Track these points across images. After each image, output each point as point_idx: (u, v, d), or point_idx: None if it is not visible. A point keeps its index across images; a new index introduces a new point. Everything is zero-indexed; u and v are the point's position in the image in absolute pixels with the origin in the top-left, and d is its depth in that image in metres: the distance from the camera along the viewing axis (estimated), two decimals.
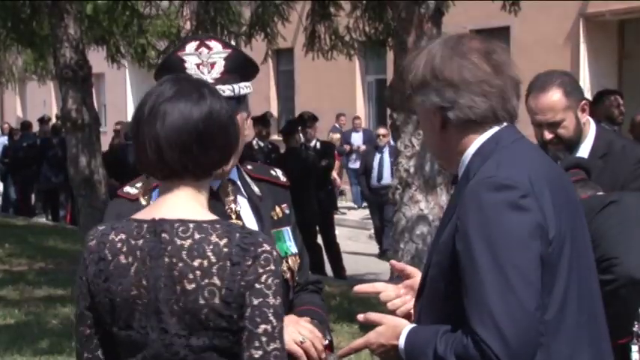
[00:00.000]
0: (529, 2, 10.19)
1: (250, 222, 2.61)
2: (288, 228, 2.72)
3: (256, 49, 10.41)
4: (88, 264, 2.11)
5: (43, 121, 18.10)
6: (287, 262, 2.66)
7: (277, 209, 2.71)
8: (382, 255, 12.36)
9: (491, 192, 2.12)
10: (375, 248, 13.15)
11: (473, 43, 2.30)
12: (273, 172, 2.80)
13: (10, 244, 13.01)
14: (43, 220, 17.11)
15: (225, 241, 2.05)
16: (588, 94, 12.27)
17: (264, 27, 11.27)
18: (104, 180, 11.36)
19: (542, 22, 15.40)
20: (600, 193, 3.29)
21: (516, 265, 2.06)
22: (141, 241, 2.06)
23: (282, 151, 11.34)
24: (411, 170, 7.27)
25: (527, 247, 2.09)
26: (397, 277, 2.68)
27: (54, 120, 18.84)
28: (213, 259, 2.03)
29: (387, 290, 2.58)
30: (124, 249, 2.07)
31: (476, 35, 2.42)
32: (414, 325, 2.30)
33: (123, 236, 2.08)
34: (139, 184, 2.61)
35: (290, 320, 2.51)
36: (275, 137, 13.52)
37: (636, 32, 15.66)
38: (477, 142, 2.27)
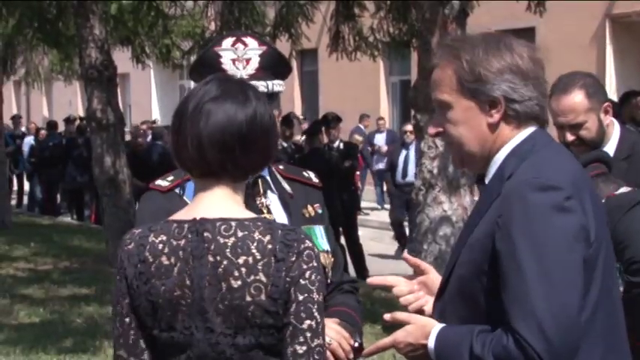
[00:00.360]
0: (554, 3, 10.12)
1: (280, 217, 2.63)
2: (321, 227, 2.73)
3: (280, 49, 10.37)
4: (126, 266, 2.09)
5: (68, 121, 18.22)
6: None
7: (309, 208, 2.73)
8: (401, 253, 12.33)
9: (537, 192, 2.09)
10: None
11: (519, 41, 2.27)
12: (305, 174, 2.82)
13: (35, 243, 13.11)
14: (68, 219, 17.23)
15: (268, 237, 2.05)
16: (614, 96, 12.19)
17: (289, 27, 11.29)
18: (128, 180, 11.41)
19: (568, 22, 15.31)
20: (624, 188, 3.25)
21: (561, 266, 2.05)
22: (183, 242, 2.06)
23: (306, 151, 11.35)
24: (435, 171, 7.25)
25: (572, 249, 2.07)
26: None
27: (79, 120, 18.96)
28: (258, 255, 2.04)
29: (399, 285, 2.56)
30: (166, 250, 2.06)
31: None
32: (443, 324, 2.24)
33: (164, 237, 2.08)
34: (170, 177, 2.64)
35: None
36: (297, 137, 13.51)
37: None
38: (513, 140, 2.24)
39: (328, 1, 11.92)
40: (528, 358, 2.00)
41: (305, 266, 2.06)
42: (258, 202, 2.62)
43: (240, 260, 2.03)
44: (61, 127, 18.86)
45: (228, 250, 2.04)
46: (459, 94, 2.24)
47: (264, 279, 2.03)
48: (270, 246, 2.05)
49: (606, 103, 3.55)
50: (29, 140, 19.96)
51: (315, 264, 2.08)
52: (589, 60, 14.87)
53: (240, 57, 2.57)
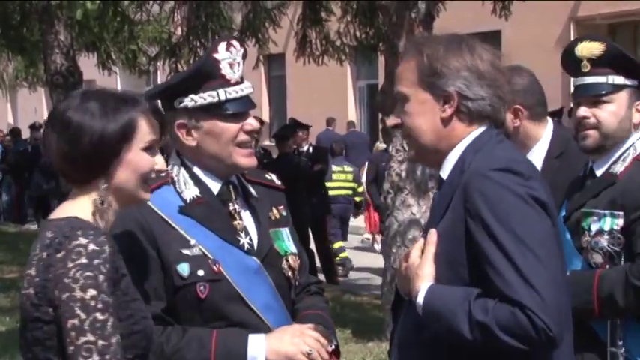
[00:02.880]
0: (519, 6, 10.20)
1: (249, 222, 2.68)
2: (287, 229, 2.78)
3: (247, 54, 10.39)
4: None
5: (34, 127, 18.06)
6: (287, 260, 2.71)
7: (274, 210, 2.78)
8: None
9: (499, 172, 2.18)
10: (365, 255, 13.14)
11: (482, 46, 2.36)
12: (267, 176, 2.86)
13: (1, 251, 12.98)
14: (34, 227, 17.06)
15: (50, 234, 2.14)
16: None
17: (255, 32, 11.25)
18: None
19: (533, 26, 15.44)
20: None
21: (536, 238, 2.13)
22: None
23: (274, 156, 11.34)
24: (403, 175, 7.26)
25: (540, 220, 2.17)
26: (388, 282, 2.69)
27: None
28: (37, 250, 2.15)
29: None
30: None
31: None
32: (430, 283, 2.24)
33: None
34: None
35: (295, 331, 2.54)
36: (267, 143, 13.52)
37: (626, 36, 15.71)
38: (469, 137, 2.33)
39: (295, 4, 11.91)
40: (537, 327, 2.07)
41: (71, 264, 2.08)
42: (231, 209, 2.65)
43: (32, 254, 2.17)
44: (26, 134, 18.68)
45: (36, 245, 2.18)
46: (416, 87, 2.34)
47: (33, 272, 2.13)
48: (47, 241, 2.13)
49: (516, 106, 3.47)
50: None
51: (84, 261, 2.08)
52: (554, 63, 14.89)
53: (233, 60, 2.63)
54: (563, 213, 3.25)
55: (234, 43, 2.66)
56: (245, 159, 2.65)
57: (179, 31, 11.67)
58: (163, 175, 2.44)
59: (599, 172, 3.25)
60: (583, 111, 3.25)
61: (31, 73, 19.48)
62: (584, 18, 15.70)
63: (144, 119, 2.26)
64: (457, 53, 2.31)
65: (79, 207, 2.23)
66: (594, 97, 3.24)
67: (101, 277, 2.08)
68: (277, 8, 11.57)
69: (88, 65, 14.16)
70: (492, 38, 14.99)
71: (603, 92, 3.22)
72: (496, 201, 2.15)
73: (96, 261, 2.09)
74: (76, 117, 2.21)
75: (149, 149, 2.27)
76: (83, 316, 2.05)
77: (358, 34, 11.20)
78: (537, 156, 3.53)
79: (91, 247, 2.10)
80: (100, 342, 2.05)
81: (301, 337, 2.52)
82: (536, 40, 15.53)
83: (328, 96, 19.89)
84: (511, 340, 2.08)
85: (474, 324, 2.10)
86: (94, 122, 2.21)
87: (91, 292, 2.06)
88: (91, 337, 2.04)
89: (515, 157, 2.29)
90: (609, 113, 3.22)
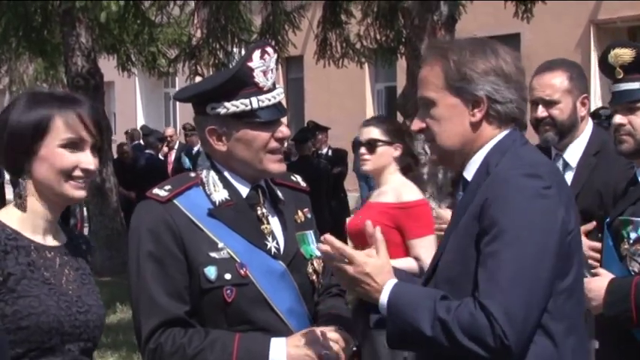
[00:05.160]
0: (539, 9, 10.18)
1: (276, 226, 2.67)
2: (311, 232, 2.77)
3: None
4: None
5: None
6: (312, 264, 2.70)
7: (300, 213, 2.77)
8: None
9: (521, 178, 2.20)
10: None
11: (504, 47, 2.37)
12: (293, 178, 2.86)
13: None
14: None
15: None
16: (599, 101, 12.22)
17: (275, 35, 11.26)
18: (115, 188, 11.37)
19: (553, 28, 15.37)
20: None
21: (535, 252, 2.14)
22: None
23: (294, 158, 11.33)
24: (425, 177, 7.25)
25: (548, 233, 2.17)
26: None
27: None
28: None
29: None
30: None
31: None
32: (396, 280, 2.27)
33: None
34: (168, 187, 2.63)
35: (314, 336, 2.52)
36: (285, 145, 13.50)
37: None
38: (495, 139, 2.33)
39: (314, 6, 11.91)
40: (494, 332, 2.07)
41: None
42: (259, 212, 2.64)
43: None
44: None
45: None
46: (444, 92, 2.33)
47: None
48: None
49: (584, 95, 3.65)
50: None
51: None
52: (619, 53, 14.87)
53: (267, 68, 2.61)
54: (607, 219, 3.23)
55: (269, 50, 2.63)
56: (275, 164, 2.64)
57: (199, 34, 11.71)
58: (92, 174, 2.47)
59: None
60: (619, 118, 3.25)
61: (51, 75, 19.56)
62: (604, 21, 15.61)
63: (62, 118, 2.38)
64: (483, 57, 2.31)
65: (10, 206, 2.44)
66: (629, 103, 3.23)
67: None
68: (297, 11, 11.58)
69: (108, 67, 14.21)
70: (512, 41, 14.94)
71: (636, 99, 3.21)
72: (511, 205, 2.16)
73: None
74: (5, 114, 2.40)
75: (68, 146, 2.38)
76: None
77: (378, 36, 11.19)
78: (576, 150, 3.59)
79: None
80: None
81: (319, 340, 2.50)
82: (555, 43, 15.46)
83: (346, 98, 19.87)
84: (468, 342, 2.09)
85: (436, 321, 2.12)
86: (12, 117, 2.38)
87: None
88: None
89: (539, 160, 2.31)
90: None
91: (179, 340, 2.46)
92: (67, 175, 2.39)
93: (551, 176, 2.26)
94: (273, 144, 2.62)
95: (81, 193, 2.44)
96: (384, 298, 2.23)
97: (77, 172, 2.40)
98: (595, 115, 8.22)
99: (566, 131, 3.60)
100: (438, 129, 2.35)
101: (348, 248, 2.32)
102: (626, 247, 3.11)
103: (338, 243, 2.32)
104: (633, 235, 3.10)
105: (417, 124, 2.41)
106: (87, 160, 2.40)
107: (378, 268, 2.28)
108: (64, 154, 2.38)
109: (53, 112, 2.38)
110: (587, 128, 3.66)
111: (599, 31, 15.70)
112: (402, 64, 9.97)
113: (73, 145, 2.39)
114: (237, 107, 2.58)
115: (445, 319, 2.11)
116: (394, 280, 2.26)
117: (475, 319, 2.09)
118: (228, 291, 2.52)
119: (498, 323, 2.07)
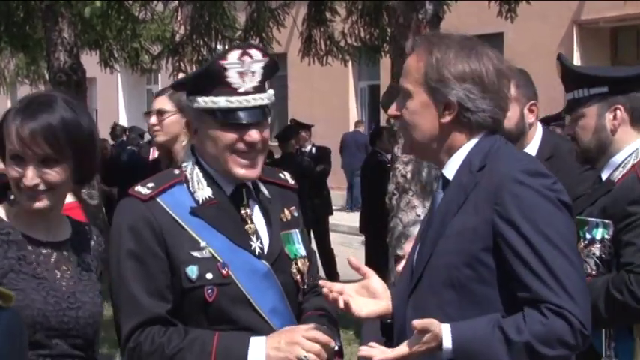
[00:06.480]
0: (523, 9, 10.21)
1: (260, 225, 2.64)
2: (297, 230, 2.74)
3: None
4: None
5: None
6: (296, 264, 2.68)
7: (286, 212, 2.74)
8: None
9: (529, 177, 2.23)
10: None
11: (490, 54, 2.37)
12: (281, 175, 2.83)
13: None
14: None
15: None
16: None
17: (259, 32, 11.23)
18: (97, 184, 11.30)
19: (536, 28, 15.43)
20: None
21: (566, 241, 2.21)
22: None
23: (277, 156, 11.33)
24: (408, 176, 7.24)
25: (570, 225, 2.26)
26: (392, 284, 2.69)
27: None
28: None
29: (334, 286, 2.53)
30: None
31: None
32: (447, 324, 2.23)
33: None
34: (151, 184, 2.60)
35: (294, 333, 2.49)
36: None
37: (629, 40, 15.71)
38: (473, 139, 2.35)
39: (298, 4, 11.90)
40: (569, 322, 2.12)
41: None
42: (242, 212, 2.62)
43: None
44: None
45: None
46: (420, 88, 2.35)
47: None
48: None
49: (532, 102, 3.60)
50: None
51: None
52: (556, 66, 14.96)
53: (246, 70, 2.56)
54: None
55: (253, 52, 2.58)
56: (241, 169, 2.57)
57: (182, 30, 11.66)
58: (39, 190, 2.43)
59: (604, 177, 3.24)
60: (567, 129, 3.34)
61: (33, 71, 19.45)
62: (587, 21, 15.69)
63: (9, 130, 2.36)
64: (466, 60, 2.32)
65: None
66: (570, 113, 3.27)
67: None
68: (281, 8, 11.55)
69: (90, 63, 14.13)
70: (495, 40, 14.99)
71: (571, 109, 3.25)
72: (530, 205, 2.20)
73: None
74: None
75: (14, 159, 2.37)
76: None
77: (362, 34, 11.19)
78: None
79: None
80: None
81: (299, 341, 2.46)
82: (538, 43, 15.52)
83: (330, 96, 19.88)
84: (551, 351, 2.12)
85: (515, 349, 2.12)
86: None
87: None
88: None
89: (531, 158, 2.38)
90: (580, 127, 3.23)
91: (158, 339, 2.44)
92: (18, 187, 2.39)
93: (549, 172, 2.32)
94: (240, 146, 2.56)
95: (37, 205, 2.40)
96: (448, 347, 2.19)
97: (23, 186, 2.39)
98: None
99: (514, 139, 3.53)
100: (410, 121, 2.39)
101: (398, 351, 2.28)
102: (581, 247, 3.11)
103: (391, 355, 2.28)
104: (588, 236, 3.12)
105: (393, 111, 2.44)
106: (28, 175, 2.37)
107: (428, 336, 2.22)
108: (11, 168, 2.39)
109: (9, 122, 2.39)
110: (537, 134, 3.66)
111: (582, 32, 15.78)
112: (385, 62, 9.97)
113: (17, 158, 2.38)
114: (207, 104, 2.55)
115: (526, 342, 2.13)
116: (447, 326, 2.22)
117: (550, 326, 2.13)
118: (210, 290, 2.50)
119: (576, 318, 2.12)
